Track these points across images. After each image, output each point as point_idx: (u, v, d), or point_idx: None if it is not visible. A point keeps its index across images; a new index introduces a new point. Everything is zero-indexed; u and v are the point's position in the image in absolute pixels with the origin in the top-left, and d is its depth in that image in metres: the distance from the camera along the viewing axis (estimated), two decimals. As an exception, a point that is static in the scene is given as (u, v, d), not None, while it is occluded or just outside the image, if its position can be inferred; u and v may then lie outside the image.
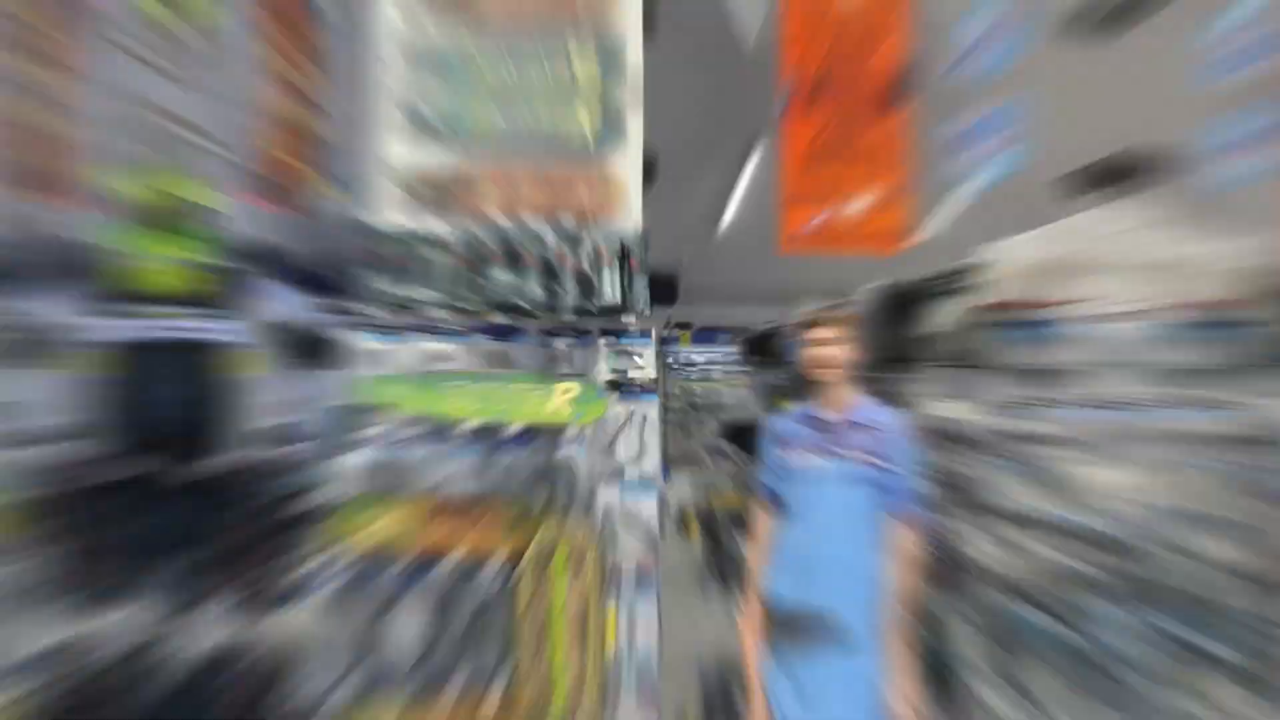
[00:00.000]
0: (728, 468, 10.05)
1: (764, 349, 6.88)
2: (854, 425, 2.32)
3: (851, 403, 2.37)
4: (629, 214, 3.05)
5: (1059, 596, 2.82)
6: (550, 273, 2.81)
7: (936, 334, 3.55)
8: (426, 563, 2.75)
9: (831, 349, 2.34)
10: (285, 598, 4.92)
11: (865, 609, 2.26)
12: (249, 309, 5.54)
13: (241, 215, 5.96)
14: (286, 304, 6.33)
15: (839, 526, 2.27)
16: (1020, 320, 3.15)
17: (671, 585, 6.37)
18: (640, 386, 2.93)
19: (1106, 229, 2.79)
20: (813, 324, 2.39)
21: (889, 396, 4.25)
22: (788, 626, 2.31)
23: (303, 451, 6.78)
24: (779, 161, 5.19)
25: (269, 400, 5.80)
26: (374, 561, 2.74)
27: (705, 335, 9.86)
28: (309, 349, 6.40)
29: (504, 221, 2.91)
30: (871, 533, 2.27)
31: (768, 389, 6.68)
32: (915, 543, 2.32)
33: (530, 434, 2.82)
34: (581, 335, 2.96)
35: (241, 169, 5.21)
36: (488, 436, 2.83)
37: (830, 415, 2.37)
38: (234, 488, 5.12)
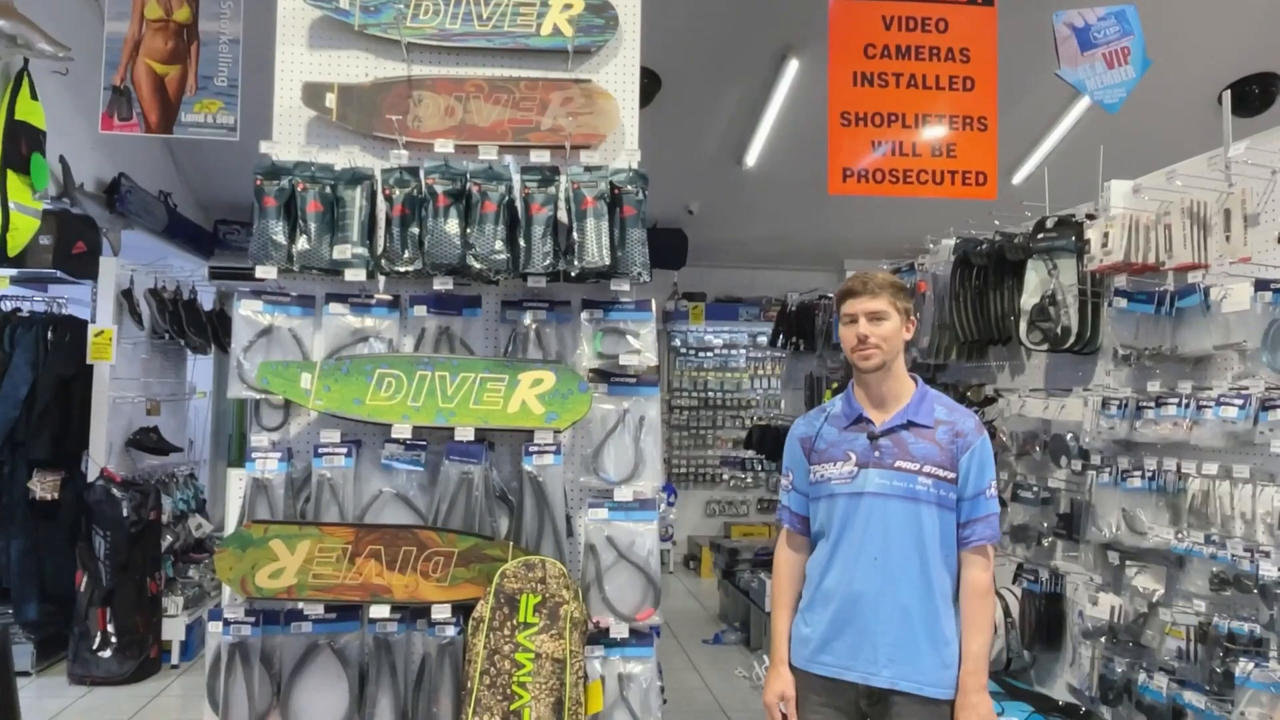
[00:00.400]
0: (753, 486, 10.06)
1: (802, 328, 6.86)
2: (913, 428, 2.30)
3: (911, 399, 2.34)
4: (621, 143, 3.01)
5: (1195, 658, 2.80)
6: (513, 222, 2.76)
7: (1030, 308, 3.52)
8: (344, 616, 2.73)
9: (886, 327, 2.30)
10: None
11: (926, 669, 2.24)
12: (101, 271, 5.53)
13: (93, 144, 5.92)
14: (151, 264, 6.27)
15: (891, 559, 2.25)
16: (1143, 289, 3.12)
17: (677, 640, 6.38)
18: (636, 376, 2.89)
19: (1252, 170, 2.75)
20: (863, 294, 2.34)
21: (961, 391, 4.24)
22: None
23: (173, 463, 6.75)
24: (825, 71, 5.13)
25: (128, 394, 5.77)
26: (272, 614, 2.71)
27: (723, 309, 9.76)
28: (182, 324, 6.37)
29: (450, 151, 2.86)
30: (934, 568, 2.26)
31: (807, 381, 6.66)
32: (991, 582, 2.31)
33: (486, 441, 2.78)
34: (556, 307, 2.92)
35: (98, 82, 5.13)
36: (429, 444, 2.79)
37: (882, 415, 2.34)
38: (91, 507, 5.13)
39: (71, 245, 5.42)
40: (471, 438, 2.70)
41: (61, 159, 5.57)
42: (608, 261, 2.70)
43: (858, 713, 2.28)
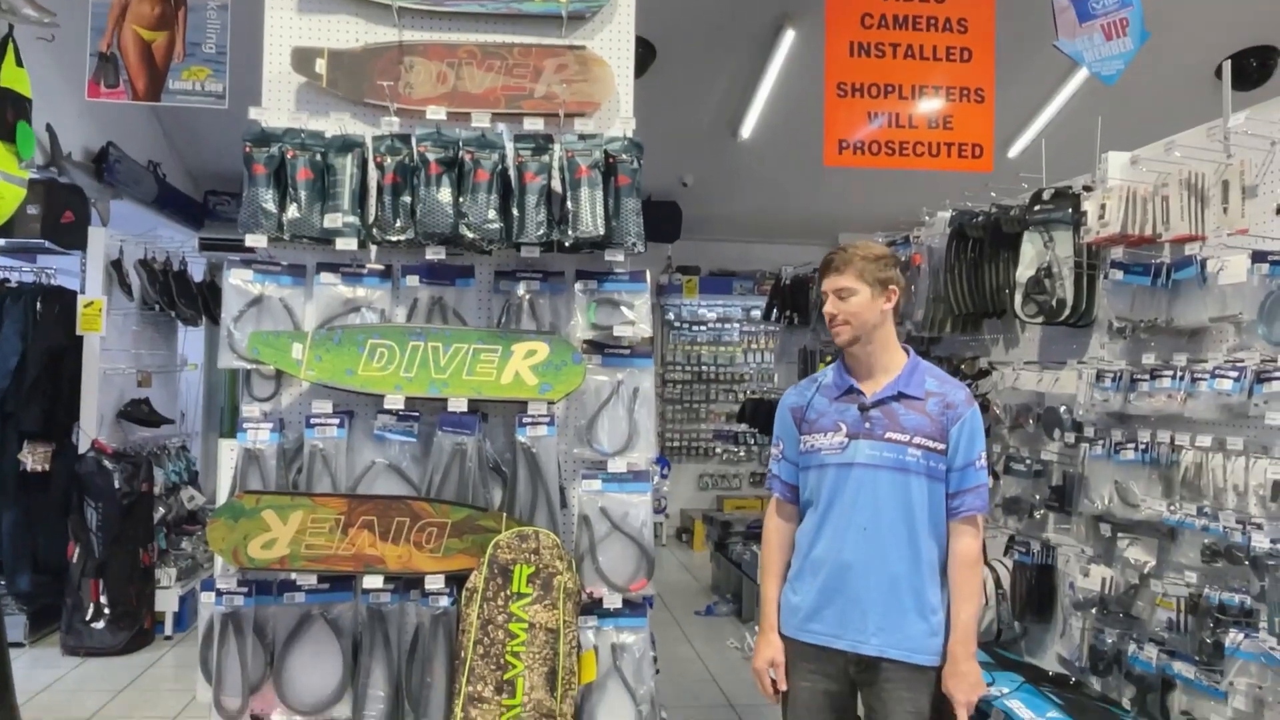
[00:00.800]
0: (745, 460, 10.07)
1: (796, 301, 6.85)
2: (904, 399, 2.30)
3: (902, 371, 2.34)
4: (616, 111, 2.97)
5: (1184, 630, 2.82)
6: (506, 191, 2.73)
7: (1026, 280, 3.50)
8: (337, 586, 2.72)
9: (854, 303, 2.29)
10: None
11: (914, 636, 2.26)
12: (90, 242, 5.47)
13: (80, 112, 5.83)
14: (140, 235, 6.22)
15: (880, 529, 2.26)
16: (1139, 261, 3.10)
17: (670, 612, 6.41)
18: (631, 348, 2.87)
19: (1251, 140, 2.72)
20: (830, 271, 2.34)
21: (955, 363, 4.23)
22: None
23: (164, 435, 6.73)
24: (822, 41, 5.07)
25: (119, 365, 5.73)
26: (265, 585, 2.71)
27: (717, 283, 9.72)
28: (173, 295, 6.32)
29: (442, 119, 2.81)
30: (922, 538, 2.27)
31: (801, 354, 6.66)
32: (980, 552, 2.32)
33: (480, 412, 2.76)
34: (550, 278, 2.90)
35: (83, 48, 5.04)
36: (422, 415, 2.77)
37: (873, 386, 2.33)
38: (83, 479, 5.11)
39: (60, 215, 5.35)
40: (465, 409, 2.69)
41: (48, 127, 5.50)
42: (602, 231, 2.67)
43: (847, 679, 2.32)
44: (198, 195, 8.18)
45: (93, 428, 5.37)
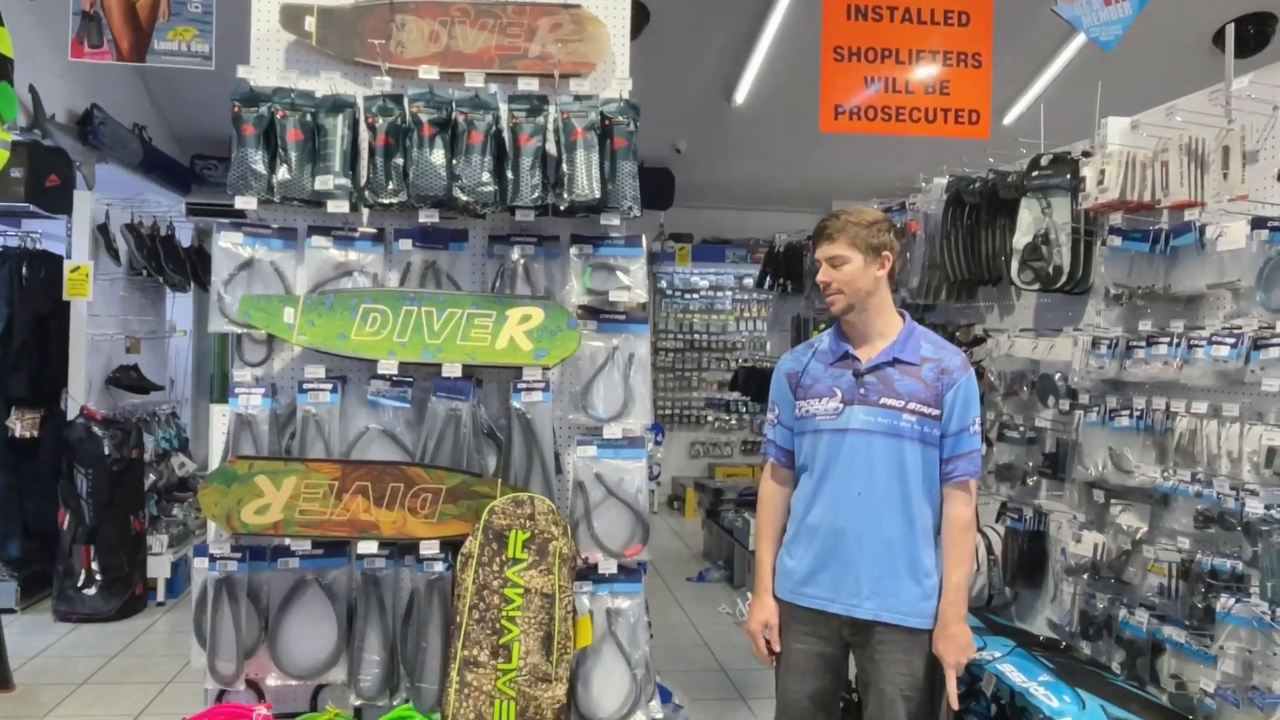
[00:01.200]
0: (737, 428, 10.09)
1: (790, 269, 6.82)
2: (899, 365, 2.30)
3: (897, 336, 2.33)
4: (612, 72, 2.92)
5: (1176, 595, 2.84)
6: (500, 153, 2.69)
7: (1023, 247, 3.48)
8: (332, 551, 2.71)
9: (847, 271, 2.28)
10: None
11: (907, 600, 2.28)
12: (76, 206, 5.40)
13: (63, 73, 5.73)
14: (127, 199, 6.13)
15: (875, 494, 2.28)
16: (1138, 228, 3.08)
17: (662, 579, 6.45)
18: (626, 313, 2.85)
19: (1253, 105, 2.70)
20: (823, 239, 2.32)
21: (950, 331, 4.22)
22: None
23: (154, 402, 6.69)
24: (818, 4, 5.00)
25: (107, 331, 5.69)
26: (259, 550, 2.70)
27: (710, 250, 9.68)
28: (160, 260, 6.26)
29: (435, 79, 2.76)
30: (916, 503, 2.28)
31: (794, 322, 6.65)
32: (973, 516, 2.34)
33: (474, 378, 2.74)
34: (545, 242, 2.86)
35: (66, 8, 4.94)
36: (415, 381, 2.75)
37: (868, 352, 2.33)
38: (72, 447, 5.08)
39: (44, 178, 5.27)
40: (459, 374, 2.67)
41: (31, 88, 5.40)
42: (598, 194, 2.64)
43: (841, 642, 2.35)
44: (184, 159, 8.08)
45: (81, 394, 5.32)
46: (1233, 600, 2.58)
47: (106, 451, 5.16)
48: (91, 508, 5.15)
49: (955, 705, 2.29)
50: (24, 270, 5.27)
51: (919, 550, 2.29)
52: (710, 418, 9.89)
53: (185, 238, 6.48)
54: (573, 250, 2.83)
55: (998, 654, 2.96)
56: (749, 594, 2.57)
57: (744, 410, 9.70)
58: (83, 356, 5.36)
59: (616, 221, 2.76)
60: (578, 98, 2.73)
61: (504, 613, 2.54)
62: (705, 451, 9.89)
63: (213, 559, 2.63)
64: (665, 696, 2.99)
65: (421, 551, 2.64)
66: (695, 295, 9.96)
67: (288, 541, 2.66)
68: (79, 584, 5.15)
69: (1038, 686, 2.69)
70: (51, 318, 5.35)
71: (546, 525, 2.59)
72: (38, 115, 5.46)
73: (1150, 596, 2.95)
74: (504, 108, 2.71)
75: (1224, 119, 2.78)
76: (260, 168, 2.64)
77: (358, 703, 2.69)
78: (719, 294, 9.99)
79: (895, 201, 4.76)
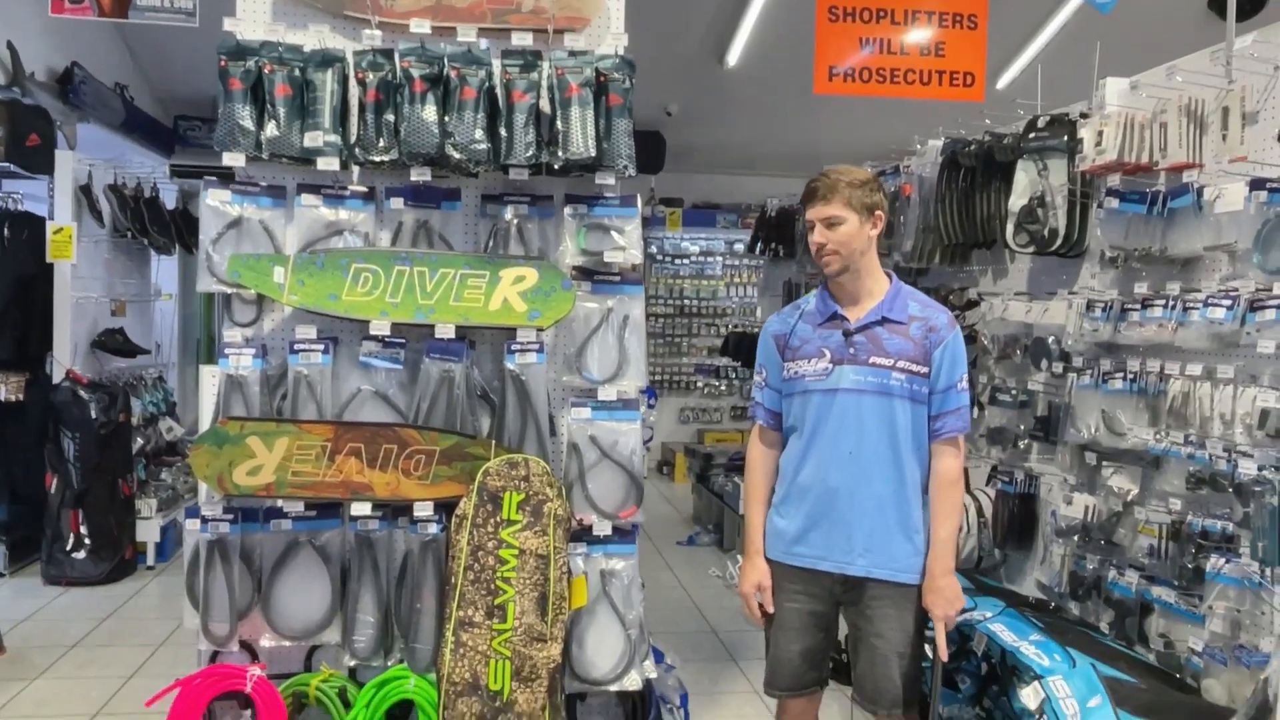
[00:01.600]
0: (726, 394, 10.10)
1: (781, 233, 6.78)
2: (887, 324, 2.30)
3: (885, 295, 2.33)
4: (607, 28, 2.86)
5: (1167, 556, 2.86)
6: (494, 110, 2.64)
7: (1018, 210, 3.47)
8: (325, 513, 2.70)
9: (843, 231, 2.27)
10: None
11: (899, 556, 2.29)
12: (58, 166, 5.30)
13: (42, 29, 5.59)
14: (110, 160, 6.03)
15: (865, 453, 2.29)
16: (1135, 190, 3.07)
17: (652, 542, 6.48)
18: (620, 274, 2.82)
19: (1255, 65, 2.67)
20: (818, 199, 2.30)
21: (943, 294, 4.21)
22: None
23: (140, 365, 6.63)
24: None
25: (91, 294, 5.61)
26: (251, 512, 2.68)
27: (701, 216, 9.62)
28: (145, 222, 6.15)
29: (426, 33, 2.70)
30: (906, 460, 2.29)
31: (785, 287, 6.62)
32: (960, 471, 2.36)
33: (467, 339, 2.71)
34: (538, 202, 2.82)
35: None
36: (408, 342, 2.72)
37: (857, 312, 2.32)
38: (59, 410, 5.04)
39: (24, 138, 5.16)
40: (452, 335, 2.64)
41: (9, 45, 5.28)
42: (593, 153, 2.60)
43: (832, 599, 2.38)
44: (167, 120, 7.94)
45: (66, 357, 5.27)
46: (1223, 560, 2.60)
47: (93, 415, 5.12)
48: (79, 472, 5.12)
49: (945, 656, 2.34)
50: (6, 231, 5.19)
51: (909, 507, 2.33)
52: (700, 383, 9.89)
53: (170, 200, 6.39)
54: (567, 210, 2.79)
55: (989, 614, 2.98)
56: (739, 557, 2.58)
57: (734, 376, 9.71)
58: (68, 319, 5.30)
59: (611, 181, 2.73)
60: (572, 53, 2.68)
61: (499, 574, 2.54)
62: (695, 417, 9.91)
63: (205, 520, 2.61)
64: (658, 657, 3.01)
65: (415, 513, 2.62)
66: (685, 261, 9.92)
67: (280, 503, 2.64)
68: (68, 548, 5.13)
69: (1028, 645, 2.71)
70: (35, 280, 5.27)
71: (541, 487, 2.58)
72: (17, 73, 5.35)
73: (1140, 557, 2.98)
74: (497, 63, 2.66)
75: (1224, 79, 2.76)
76: (248, 124, 2.58)
77: (352, 663, 2.69)
78: (709, 260, 9.95)
79: (889, 165, 4.73)
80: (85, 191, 5.40)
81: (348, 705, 2.60)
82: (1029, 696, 2.56)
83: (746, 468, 2.56)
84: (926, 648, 2.38)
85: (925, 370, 2.30)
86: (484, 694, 2.50)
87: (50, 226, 5.21)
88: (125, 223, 5.67)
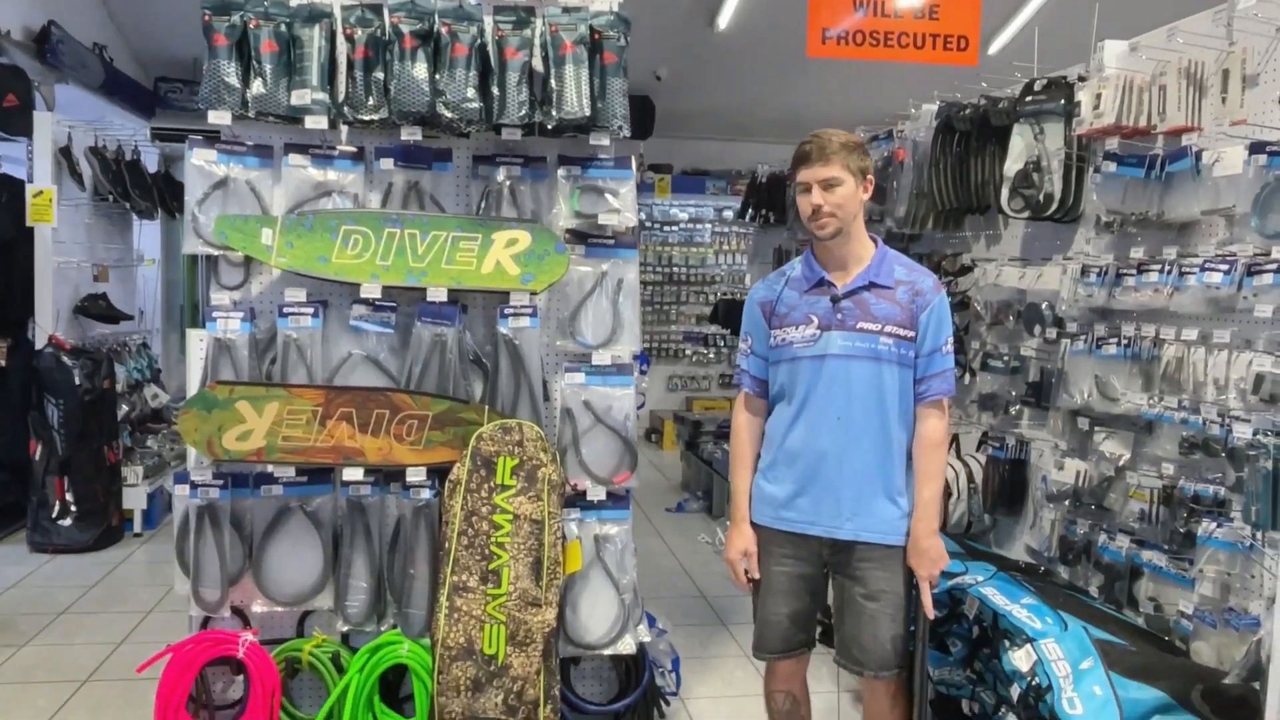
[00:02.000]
0: (715, 361, 10.10)
1: (772, 200, 6.73)
2: (875, 289, 2.29)
3: (871, 260, 2.32)
4: (600, -16, 2.81)
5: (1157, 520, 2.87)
6: (486, 68, 2.58)
7: (1014, 174, 3.44)
8: (316, 479, 2.67)
9: (840, 194, 2.25)
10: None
11: (886, 519, 2.31)
12: (37, 127, 5.19)
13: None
14: (90, 122, 5.89)
15: (854, 418, 2.30)
16: (1133, 153, 3.04)
17: (641, 509, 6.49)
18: (615, 237, 2.78)
19: (1257, 26, 2.64)
20: (816, 160, 2.28)
21: (936, 260, 4.20)
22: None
23: (124, 332, 6.54)
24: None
25: (73, 259, 5.51)
26: (241, 478, 2.65)
27: (690, 182, 9.56)
28: (126, 186, 6.04)
29: (416, -10, 2.63)
30: (893, 425, 2.30)
31: (776, 254, 6.59)
32: (945, 433, 2.36)
33: (459, 302, 2.67)
34: (531, 163, 2.78)
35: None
36: (399, 305, 2.68)
37: (844, 277, 2.31)
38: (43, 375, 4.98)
39: (1, 98, 5.05)
40: (444, 299, 2.61)
41: (-18, 2, 5.14)
42: (588, 112, 2.55)
43: (820, 563, 2.40)
44: (147, 82, 7.77)
45: (49, 323, 5.19)
46: (1214, 524, 2.61)
47: (77, 381, 5.05)
48: (63, 438, 5.06)
49: (930, 615, 2.35)
50: (-16, 194, 5.09)
51: (895, 471, 2.34)
52: (689, 351, 9.88)
53: (151, 163, 6.27)
54: (560, 172, 2.74)
55: (980, 578, 2.99)
56: (727, 523, 2.58)
57: (722, 344, 9.70)
58: (49, 284, 5.21)
59: (606, 141, 2.68)
60: (566, 9, 2.62)
61: (493, 539, 2.52)
62: (683, 385, 9.90)
63: (194, 486, 2.59)
64: (650, 622, 3.02)
65: (408, 478, 2.61)
66: (674, 228, 9.85)
67: (270, 469, 2.61)
68: (54, 515, 5.09)
69: (1020, 609, 2.72)
70: (15, 244, 5.18)
71: (535, 452, 2.56)
72: (-9, 33, 5.22)
73: (1130, 522, 2.99)
74: (489, 20, 2.60)
75: (1225, 41, 2.72)
76: (233, 81, 2.52)
77: (345, 628, 2.68)
78: (698, 226, 9.89)
79: (882, 130, 4.68)
80: (65, 154, 5.29)
81: (341, 670, 2.60)
82: (1021, 659, 2.57)
83: (732, 435, 2.56)
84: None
85: (912, 334, 2.30)
86: (479, 658, 2.49)
87: (30, 189, 5.10)
88: (107, 186, 5.56)
